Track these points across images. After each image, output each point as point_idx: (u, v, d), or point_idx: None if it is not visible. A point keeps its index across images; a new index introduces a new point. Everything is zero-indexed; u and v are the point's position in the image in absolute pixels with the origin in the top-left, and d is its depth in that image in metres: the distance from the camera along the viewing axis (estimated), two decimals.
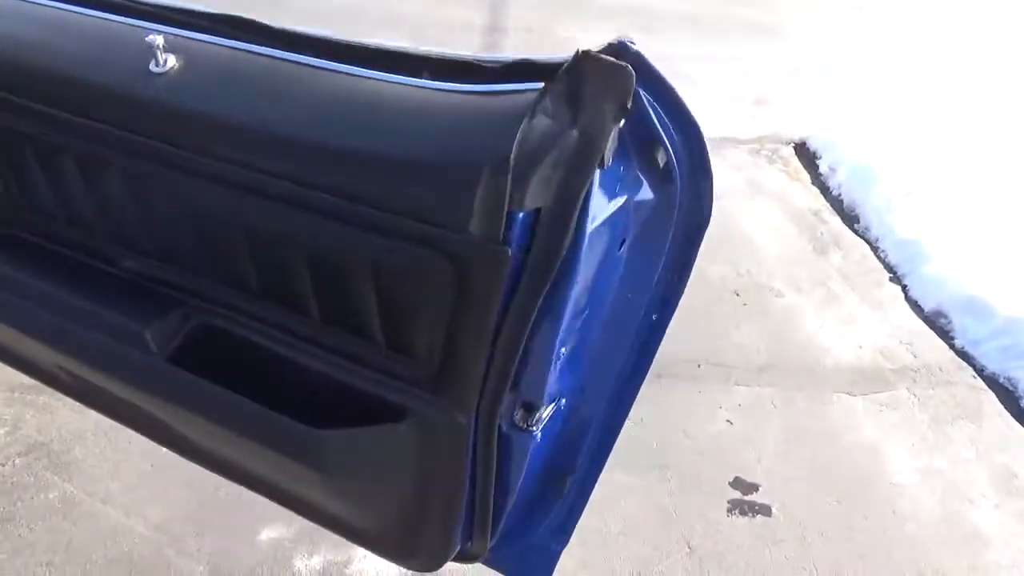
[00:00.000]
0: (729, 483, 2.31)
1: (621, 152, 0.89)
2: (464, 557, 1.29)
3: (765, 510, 2.23)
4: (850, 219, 3.77)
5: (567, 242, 0.84)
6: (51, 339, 1.35)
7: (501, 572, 1.43)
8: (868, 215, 3.72)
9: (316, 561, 1.98)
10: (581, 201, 0.81)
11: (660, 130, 0.87)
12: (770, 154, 4.41)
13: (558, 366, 1.03)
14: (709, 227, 1.01)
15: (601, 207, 0.89)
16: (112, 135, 1.05)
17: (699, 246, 1.05)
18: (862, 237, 3.63)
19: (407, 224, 0.87)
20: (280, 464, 1.23)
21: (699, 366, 2.75)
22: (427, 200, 0.85)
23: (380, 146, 0.87)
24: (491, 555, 1.34)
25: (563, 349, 1.00)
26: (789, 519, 2.21)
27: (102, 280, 1.28)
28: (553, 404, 1.10)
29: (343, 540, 2.06)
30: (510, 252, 0.84)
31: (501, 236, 0.83)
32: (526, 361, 0.97)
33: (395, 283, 0.95)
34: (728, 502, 2.25)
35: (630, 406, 1.21)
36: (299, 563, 1.98)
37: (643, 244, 1.03)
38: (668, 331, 1.11)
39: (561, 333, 0.96)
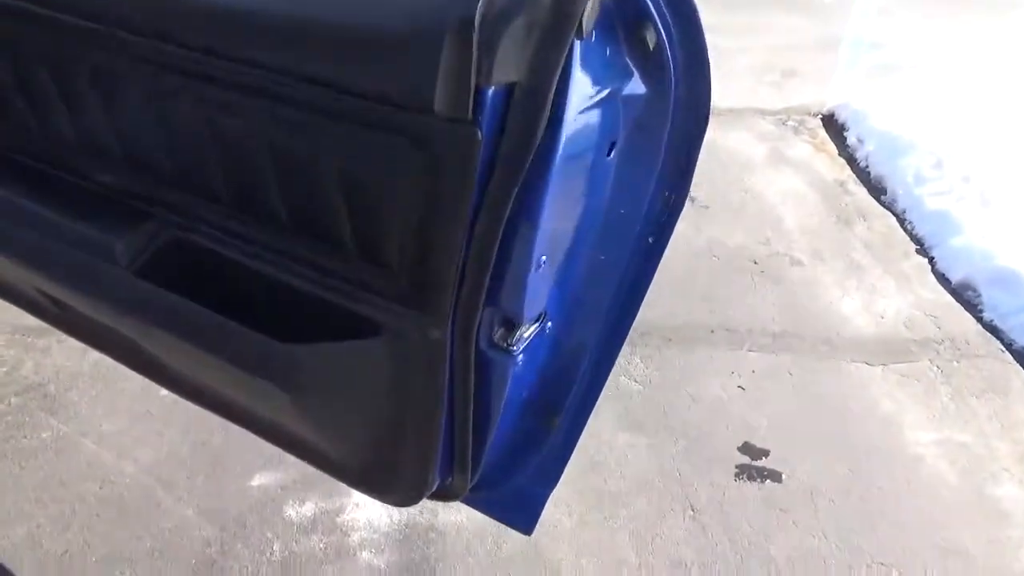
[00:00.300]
0: (738, 448, 2.22)
1: (607, 32, 0.81)
2: (444, 494, 1.23)
3: (774, 476, 2.15)
4: (877, 191, 3.63)
5: (543, 123, 0.76)
6: (24, 256, 1.31)
7: (484, 512, 1.37)
8: (896, 187, 3.58)
9: (307, 508, 1.94)
10: (558, 75, 0.74)
11: (649, 4, 0.79)
12: (796, 125, 4.27)
13: (540, 279, 0.96)
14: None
15: (584, 92, 0.81)
16: (73, 28, 1.00)
17: (697, 157, 0.96)
18: (889, 209, 3.50)
19: (366, 107, 0.80)
20: (249, 385, 1.18)
21: (712, 331, 2.65)
22: (385, 76, 0.78)
23: (328, 14, 0.80)
24: (474, 496, 1.28)
25: (544, 258, 0.93)
26: (799, 486, 2.12)
27: (72, 193, 1.23)
28: (536, 324, 1.03)
29: (334, 488, 2.02)
30: (480, 134, 0.76)
31: (469, 115, 0.75)
32: (503, 268, 0.90)
33: (360, 178, 0.88)
34: (736, 467, 2.16)
35: (622, 342, 1.14)
36: (290, 510, 1.93)
37: (635, 150, 0.95)
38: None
39: (541, 238, 0.89)
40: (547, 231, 0.90)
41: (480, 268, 0.88)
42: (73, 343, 2.38)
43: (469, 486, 1.20)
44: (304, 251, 1.03)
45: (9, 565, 1.76)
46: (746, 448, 2.23)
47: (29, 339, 2.38)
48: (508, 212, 0.82)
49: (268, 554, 1.83)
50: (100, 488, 1.95)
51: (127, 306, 1.22)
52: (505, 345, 1.00)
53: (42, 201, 1.23)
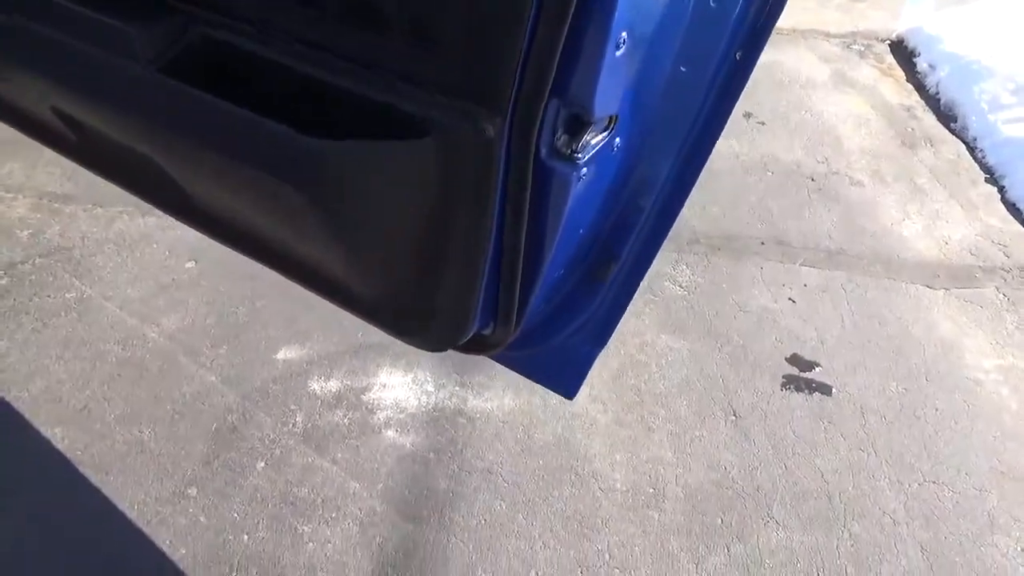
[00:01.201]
0: (786, 359, 2.10)
1: None
2: (480, 345, 1.10)
3: (823, 389, 2.03)
4: (946, 118, 3.40)
5: None
6: (40, 64, 1.21)
7: (524, 374, 1.25)
8: (968, 114, 3.35)
9: (332, 384, 1.87)
10: None
11: None
12: (863, 49, 4.01)
13: (617, 66, 0.82)
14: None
15: None
16: None
17: None
18: (958, 136, 3.27)
19: None
20: (272, 195, 1.07)
21: (763, 243, 2.50)
22: None
23: None
24: (513, 352, 1.16)
25: (624, 36, 0.79)
26: (849, 401, 2.00)
27: None
28: (605, 133, 0.90)
29: (361, 367, 1.94)
30: None
31: None
32: (576, 44, 0.77)
33: None
34: (783, 377, 2.05)
35: (694, 179, 1.00)
36: (315, 385, 1.86)
37: None
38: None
39: (624, 5, 0.75)
40: (627, 5, 0.77)
41: (551, 40, 0.74)
42: (100, 212, 2.31)
43: (511, 337, 1.08)
44: (342, 36, 0.90)
45: (26, 414, 1.72)
46: (794, 360, 2.10)
47: (56, 205, 2.31)
48: None
49: (290, 425, 1.76)
50: (122, 349, 1.89)
51: (151, 109, 1.11)
52: (568, 152, 0.87)
53: None
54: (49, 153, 1.94)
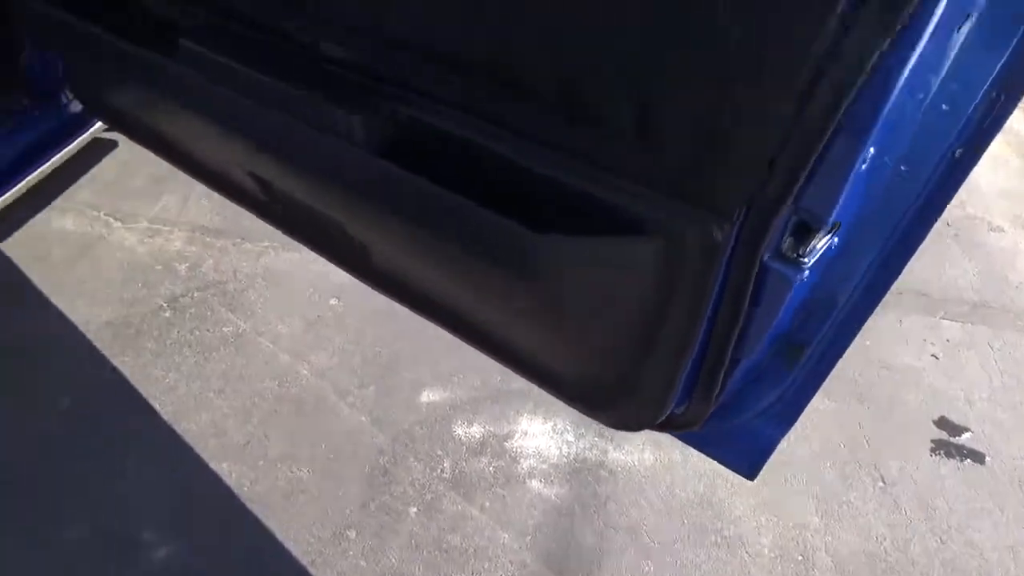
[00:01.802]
0: (933, 421, 2.02)
1: None
2: (671, 424, 1.12)
3: (976, 456, 1.94)
4: None
5: None
6: (254, 135, 1.28)
7: (704, 450, 1.26)
8: None
9: (476, 430, 1.91)
10: None
11: None
12: None
13: (859, 177, 0.82)
14: None
15: None
16: None
17: None
18: None
19: None
20: (482, 276, 1.10)
21: (900, 293, 2.42)
22: None
23: None
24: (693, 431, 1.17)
25: (871, 150, 0.79)
26: (1004, 470, 1.91)
27: (308, 69, 1.18)
28: (829, 235, 0.90)
29: (501, 413, 1.98)
30: None
31: None
32: (824, 162, 0.77)
33: (638, 27, 0.77)
34: (932, 441, 1.97)
35: (898, 272, 0.99)
36: (458, 429, 1.91)
37: (986, 28, 0.79)
38: None
39: (886, 119, 0.75)
40: (893, 109, 0.76)
41: (803, 157, 0.75)
42: (248, 246, 2.44)
43: (704, 419, 1.09)
44: (561, 131, 0.93)
45: (195, 447, 1.82)
46: (942, 423, 2.02)
47: (208, 239, 2.44)
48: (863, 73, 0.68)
49: (439, 470, 1.81)
50: (278, 386, 1.98)
51: (355, 183, 1.17)
52: (794, 256, 0.87)
53: (273, 73, 1.19)
54: (200, 187, 2.07)
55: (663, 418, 1.10)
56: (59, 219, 2.47)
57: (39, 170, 1.98)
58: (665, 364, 1.00)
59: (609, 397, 1.10)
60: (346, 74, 1.13)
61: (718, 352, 0.97)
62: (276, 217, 1.52)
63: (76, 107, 2.06)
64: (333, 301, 2.23)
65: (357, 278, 1.46)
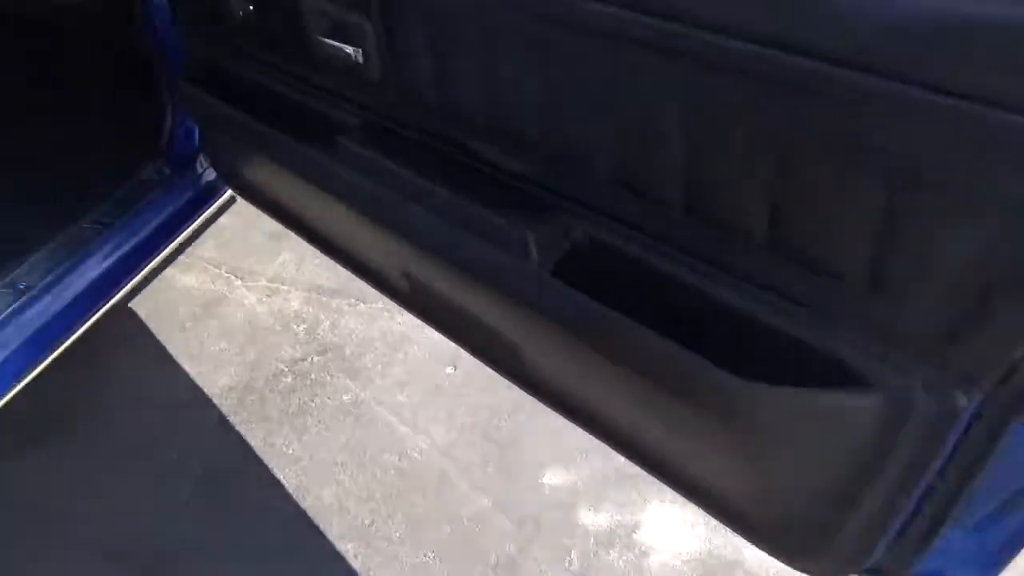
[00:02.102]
0: None
1: None
2: (869, 572, 1.03)
3: None
4: None
5: None
6: (409, 234, 1.27)
7: None
8: None
9: (603, 518, 1.83)
10: None
11: None
12: None
13: None
14: None
15: None
16: None
17: None
18: None
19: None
20: (662, 407, 1.04)
21: None
22: None
23: None
24: None
25: None
26: None
27: (478, 179, 1.15)
28: None
29: (628, 498, 1.90)
30: None
31: None
32: None
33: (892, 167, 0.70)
34: None
35: None
36: (585, 517, 1.84)
37: None
38: None
39: None
40: None
41: None
42: (363, 308, 2.44)
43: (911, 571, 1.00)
44: (782, 276, 0.86)
45: (321, 524, 1.81)
46: None
47: (324, 299, 2.46)
48: None
49: (566, 562, 1.74)
50: (399, 460, 1.96)
51: (518, 296, 1.13)
52: None
53: (446, 183, 1.17)
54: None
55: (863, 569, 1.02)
56: (184, 276, 2.54)
57: (180, 236, 2.03)
58: (873, 519, 0.92)
59: (805, 546, 1.02)
60: (519, 185, 1.10)
61: (939, 513, 0.89)
62: (415, 307, 1.50)
63: (211, 174, 2.11)
64: (450, 369, 2.20)
65: (500, 374, 1.42)
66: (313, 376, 2.20)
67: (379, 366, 2.23)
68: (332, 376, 2.20)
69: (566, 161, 1.02)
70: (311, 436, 2.02)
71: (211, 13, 1.59)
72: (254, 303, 2.45)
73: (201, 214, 2.11)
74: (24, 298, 1.61)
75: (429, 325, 1.49)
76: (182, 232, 2.04)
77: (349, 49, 1.24)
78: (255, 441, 2.00)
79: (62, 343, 1.68)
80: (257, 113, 1.56)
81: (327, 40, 1.27)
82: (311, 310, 2.43)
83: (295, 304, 2.45)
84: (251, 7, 1.40)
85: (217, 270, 2.58)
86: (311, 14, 1.30)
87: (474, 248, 1.12)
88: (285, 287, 2.52)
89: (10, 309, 1.58)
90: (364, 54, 1.22)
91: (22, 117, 2.25)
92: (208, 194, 2.13)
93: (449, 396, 2.13)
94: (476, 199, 1.11)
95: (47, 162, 2.15)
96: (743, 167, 0.82)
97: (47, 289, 1.66)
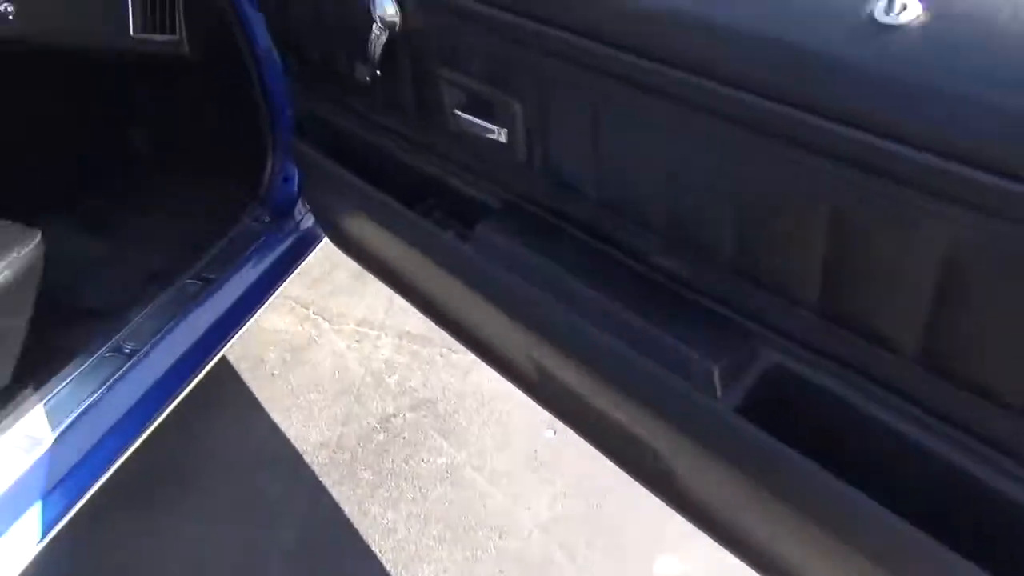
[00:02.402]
0: None
1: None
2: None
3: None
4: None
5: None
6: (558, 341, 1.14)
7: None
8: None
9: None
10: None
11: None
12: None
13: None
14: None
15: None
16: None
17: None
18: None
19: None
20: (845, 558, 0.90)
21: None
22: None
23: None
24: None
25: None
26: None
27: (646, 286, 1.03)
28: None
29: None
30: None
31: None
32: None
33: None
34: None
35: None
36: None
37: None
38: None
39: None
40: None
41: None
42: (455, 359, 2.34)
43: None
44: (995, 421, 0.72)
45: None
46: None
47: (414, 347, 2.37)
48: None
49: None
50: (499, 538, 1.84)
51: (692, 433, 1.00)
52: None
53: (603, 287, 1.05)
54: None
55: None
56: (272, 317, 2.47)
57: (281, 286, 1.95)
58: None
59: None
60: (698, 298, 0.96)
61: None
62: (541, 397, 1.38)
63: (310, 220, 2.03)
64: (549, 433, 2.08)
65: (634, 477, 1.29)
66: (406, 435, 2.10)
67: (474, 426, 2.12)
68: (425, 435, 2.10)
69: (766, 283, 0.88)
70: (406, 504, 1.92)
71: (327, 71, 1.51)
72: (343, 349, 2.38)
73: (301, 262, 2.03)
74: (131, 361, 1.55)
75: (554, 415, 1.37)
76: (283, 282, 1.96)
77: (492, 127, 1.13)
78: (348, 507, 1.91)
79: (169, 404, 1.61)
80: (373, 179, 1.47)
81: (465, 115, 1.17)
82: (402, 359, 2.34)
83: (385, 351, 2.36)
84: (377, 72, 1.31)
85: (305, 311, 2.51)
86: (449, 87, 1.19)
87: (634, 364, 0.99)
88: (374, 332, 2.44)
89: (118, 374, 1.52)
90: (510, 134, 1.11)
91: (123, 166, 2.23)
92: (308, 242, 2.05)
93: (549, 464, 2.01)
94: (642, 311, 0.98)
95: (145, 213, 2.11)
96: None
97: (153, 350, 1.60)
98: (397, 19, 1.21)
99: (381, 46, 1.26)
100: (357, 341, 2.41)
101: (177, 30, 1.66)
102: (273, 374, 2.28)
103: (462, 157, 1.27)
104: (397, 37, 1.24)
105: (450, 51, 1.17)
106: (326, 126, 1.63)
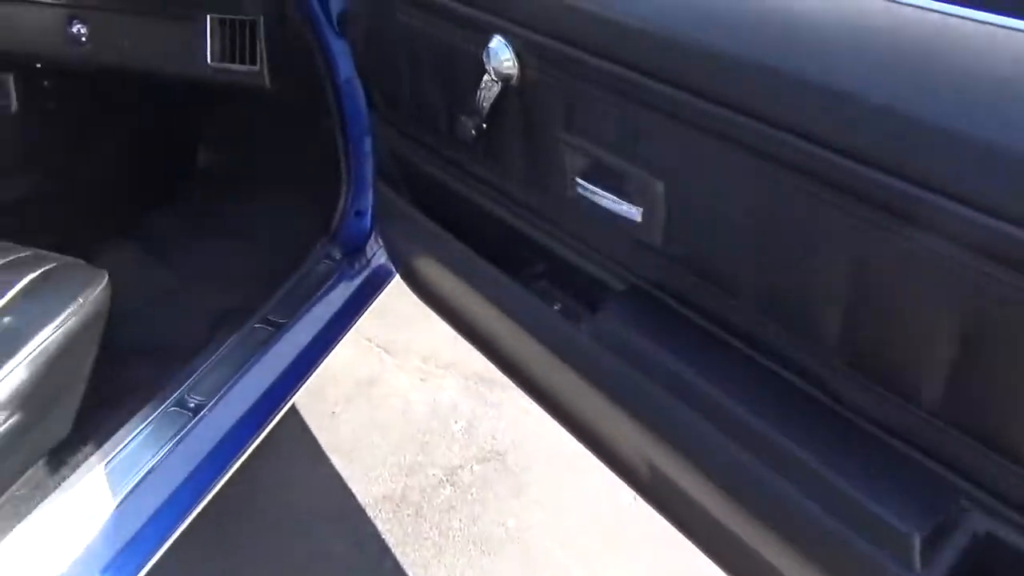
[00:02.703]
0: None
1: None
2: None
3: None
4: None
5: None
6: (685, 449, 0.99)
7: None
8: None
9: None
10: None
11: None
12: None
13: None
14: None
15: None
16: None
17: None
18: None
19: None
20: None
21: None
22: None
23: None
24: None
25: None
26: None
27: (815, 414, 0.86)
28: None
29: None
30: None
31: None
32: None
33: None
34: None
35: None
36: None
37: None
38: None
39: None
40: None
41: None
42: (526, 404, 2.18)
43: None
44: None
45: None
46: None
47: (482, 389, 2.23)
48: None
49: None
50: None
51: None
52: None
53: (757, 405, 0.89)
54: None
55: None
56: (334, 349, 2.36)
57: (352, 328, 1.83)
58: None
59: None
60: (886, 438, 0.80)
61: None
62: (651, 497, 1.22)
63: (381, 257, 1.91)
64: (629, 501, 1.92)
65: None
66: (474, 491, 1.96)
67: (548, 487, 1.97)
68: (495, 494, 1.96)
69: (973, 430, 0.72)
70: (474, 572, 1.78)
71: (418, 114, 1.37)
72: (408, 389, 2.25)
73: (372, 302, 1.91)
74: (197, 418, 1.44)
75: (669, 520, 1.21)
76: (354, 324, 1.84)
77: (623, 204, 0.98)
78: (413, 571, 1.78)
79: (235, 463, 1.50)
80: (462, 231, 1.34)
81: (590, 186, 1.02)
82: (469, 403, 2.20)
83: (451, 393, 2.23)
84: (483, 126, 1.16)
85: (368, 343, 2.39)
86: (571, 152, 1.04)
87: (797, 505, 0.83)
88: (440, 370, 2.31)
89: (183, 432, 1.41)
90: (646, 214, 0.96)
91: (190, 187, 2.14)
92: (379, 281, 1.93)
93: (629, 542, 1.85)
94: (810, 443, 0.82)
95: (210, 241, 2.01)
96: None
97: (219, 404, 1.48)
98: (514, 72, 1.06)
99: (492, 99, 1.12)
100: (421, 379, 2.28)
101: (258, 61, 1.54)
102: (334, 412, 2.17)
103: (577, 227, 1.12)
104: (511, 91, 1.10)
105: (576, 113, 1.02)
106: (412, 169, 1.50)
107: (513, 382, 1.45)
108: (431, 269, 1.52)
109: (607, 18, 0.92)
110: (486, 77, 1.10)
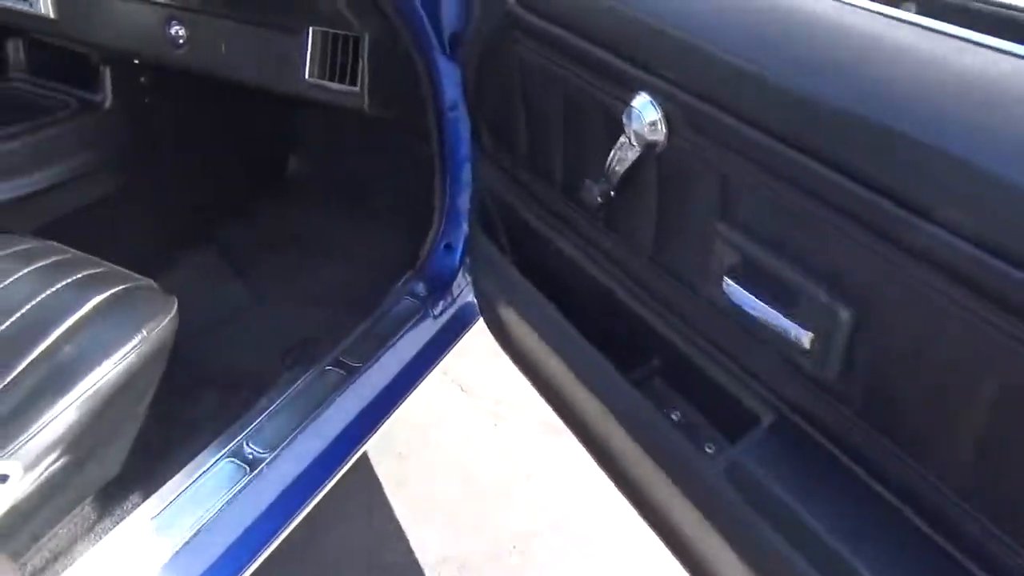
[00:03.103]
0: None
1: None
2: None
3: None
4: None
5: None
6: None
7: None
8: None
9: None
10: None
11: None
12: None
13: None
14: None
15: None
16: None
17: None
18: None
19: None
20: None
21: None
22: None
23: None
24: None
25: None
26: None
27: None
28: None
29: None
30: None
31: None
32: None
33: None
34: None
35: None
36: None
37: None
38: None
39: None
40: None
41: None
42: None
43: None
44: None
45: None
46: None
47: (548, 437, 2.05)
48: None
49: None
50: None
51: None
52: None
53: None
54: None
55: None
56: None
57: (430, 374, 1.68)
58: None
59: None
60: None
61: None
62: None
63: (468, 296, 1.75)
64: None
65: None
66: (541, 559, 1.79)
67: (621, 553, 1.78)
68: (565, 564, 1.78)
69: None
70: None
71: (532, 164, 1.20)
72: (479, 433, 2.09)
73: (454, 345, 1.75)
74: (255, 472, 1.31)
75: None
76: (434, 368, 1.68)
77: (789, 324, 0.78)
78: None
79: (295, 519, 1.36)
80: (569, 305, 1.16)
81: (745, 293, 0.82)
82: (543, 455, 2.03)
83: (525, 442, 2.06)
84: (612, 192, 0.98)
85: (442, 375, 2.25)
86: (725, 247, 0.85)
87: None
88: (511, 413, 2.14)
89: (240, 487, 1.28)
90: (817, 341, 0.76)
91: (273, 197, 2.03)
92: (464, 322, 1.77)
93: None
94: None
95: (288, 257, 1.89)
96: None
97: (280, 457, 1.35)
98: (661, 138, 0.88)
99: (627, 164, 0.94)
100: (494, 424, 2.12)
101: (359, 82, 1.40)
102: (400, 453, 2.02)
103: (717, 332, 0.93)
104: (653, 158, 0.91)
105: (737, 199, 0.82)
106: (515, 218, 1.33)
107: (614, 484, 1.27)
108: (529, 341, 1.35)
109: (796, 94, 0.72)
110: (623, 138, 0.92)
